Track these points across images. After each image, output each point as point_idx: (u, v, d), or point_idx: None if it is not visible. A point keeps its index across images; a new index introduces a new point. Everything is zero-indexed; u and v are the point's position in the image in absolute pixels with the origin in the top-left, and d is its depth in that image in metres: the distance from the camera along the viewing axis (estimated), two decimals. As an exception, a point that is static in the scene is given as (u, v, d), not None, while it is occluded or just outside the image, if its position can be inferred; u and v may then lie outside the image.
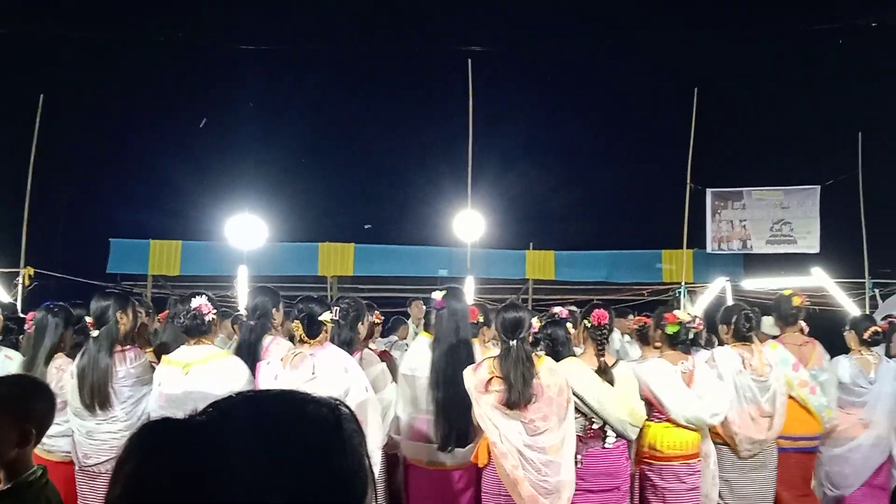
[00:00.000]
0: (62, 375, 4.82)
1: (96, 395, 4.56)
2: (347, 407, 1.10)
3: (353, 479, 1.05)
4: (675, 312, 5.28)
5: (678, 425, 5.04)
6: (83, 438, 4.64)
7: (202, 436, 0.99)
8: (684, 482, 5.05)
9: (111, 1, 16.80)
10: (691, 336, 5.36)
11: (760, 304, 7.43)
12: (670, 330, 5.23)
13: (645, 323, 5.62)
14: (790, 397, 5.64)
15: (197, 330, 4.50)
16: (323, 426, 1.05)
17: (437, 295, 4.93)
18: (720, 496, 5.41)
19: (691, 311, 7.79)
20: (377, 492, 4.78)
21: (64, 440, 4.79)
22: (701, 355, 5.62)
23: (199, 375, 4.30)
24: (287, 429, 1.02)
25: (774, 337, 6.29)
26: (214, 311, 4.55)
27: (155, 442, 0.99)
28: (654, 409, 5.07)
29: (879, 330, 6.14)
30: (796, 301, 6.02)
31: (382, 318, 5.81)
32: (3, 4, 14.24)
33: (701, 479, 5.19)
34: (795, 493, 5.68)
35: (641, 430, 5.06)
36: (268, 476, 0.95)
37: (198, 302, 4.49)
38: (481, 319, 5.49)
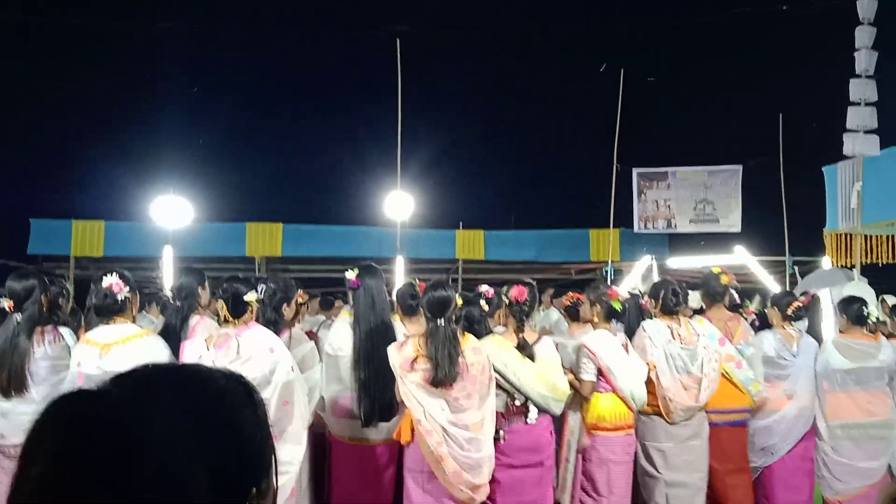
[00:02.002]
0: None
1: (13, 380, 4.46)
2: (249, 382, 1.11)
3: (264, 449, 1.08)
4: (616, 289, 5.40)
5: (620, 397, 5.15)
6: (-1, 419, 4.53)
7: (122, 408, 0.97)
8: (629, 453, 5.21)
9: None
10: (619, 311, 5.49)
11: (685, 282, 7.59)
12: (617, 306, 5.35)
13: (578, 299, 5.68)
14: None
15: (108, 310, 4.37)
16: (237, 399, 1.06)
17: (351, 274, 4.94)
18: (655, 468, 5.51)
19: (630, 288, 7.93)
20: (304, 471, 4.80)
21: None
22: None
23: (118, 357, 4.18)
24: (204, 402, 1.02)
25: (699, 311, 6.43)
26: (128, 288, 4.44)
27: (74, 416, 0.97)
28: (601, 379, 5.16)
29: (801, 305, 6.31)
30: (724, 279, 6.17)
31: (307, 297, 5.77)
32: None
33: None
34: (729, 466, 5.79)
35: (588, 401, 5.19)
36: (189, 449, 0.95)
37: (108, 281, 4.36)
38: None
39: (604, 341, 5.25)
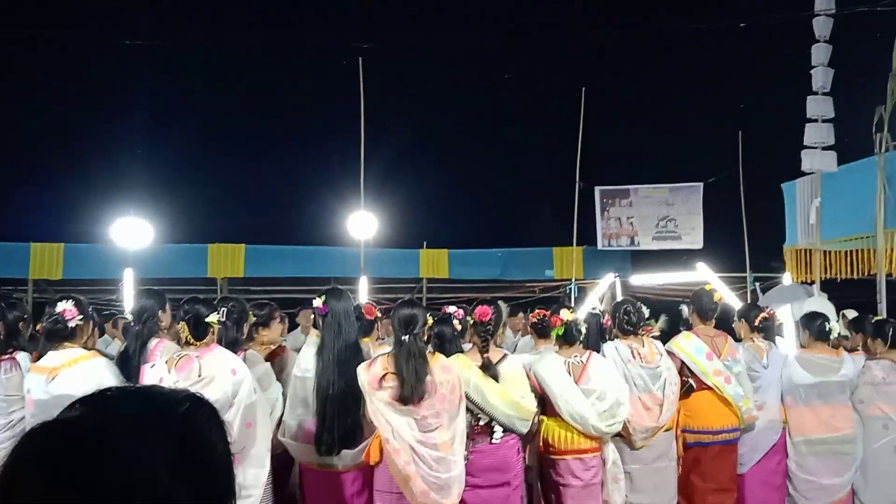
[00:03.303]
0: None
1: None
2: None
3: (230, 465, 1.10)
4: (561, 312, 5.36)
5: (566, 421, 5.11)
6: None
7: (96, 437, 0.97)
8: (579, 477, 5.09)
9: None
10: (582, 333, 5.42)
11: (645, 300, 7.62)
12: (555, 333, 5.33)
13: (545, 315, 5.67)
14: (706, 388, 5.75)
15: (56, 335, 4.32)
16: (205, 421, 1.07)
17: (318, 302, 4.91)
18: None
19: (591, 307, 7.90)
20: (267, 492, 4.74)
21: None
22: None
23: (66, 379, 4.16)
24: (176, 425, 1.03)
25: (688, 327, 6.40)
26: (81, 316, 4.38)
27: (48, 450, 0.96)
28: (546, 403, 5.14)
29: (768, 316, 6.35)
30: (717, 297, 6.15)
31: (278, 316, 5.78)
32: None
33: (601, 479, 5.23)
34: (713, 485, 5.77)
35: (539, 424, 5.16)
36: (170, 472, 0.96)
37: (62, 306, 4.32)
38: (378, 315, 5.46)
39: (546, 367, 5.20)
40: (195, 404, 1.08)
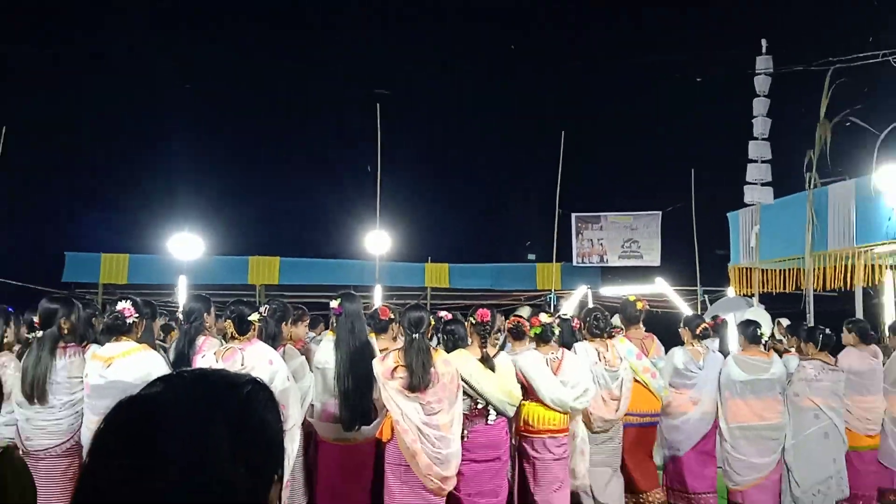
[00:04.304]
0: (5, 371, 4.56)
1: (35, 390, 4.32)
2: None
3: (282, 441, 1.08)
4: (540, 316, 5.38)
5: (546, 405, 5.12)
6: (25, 424, 4.40)
7: (163, 412, 0.97)
8: (552, 452, 5.14)
9: (66, 27, 16.40)
10: (555, 333, 5.43)
11: (613, 308, 7.63)
12: (533, 332, 5.34)
13: (518, 322, 5.66)
14: (636, 381, 5.84)
15: (116, 329, 4.30)
16: (263, 402, 1.06)
17: (334, 303, 4.91)
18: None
19: (563, 312, 7.88)
20: (296, 463, 4.72)
21: (8, 429, 4.51)
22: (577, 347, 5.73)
23: (119, 368, 4.17)
24: (238, 405, 1.01)
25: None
26: (137, 314, 4.36)
27: (122, 421, 0.97)
28: (527, 391, 5.14)
29: (707, 326, 6.36)
30: (640, 305, 6.32)
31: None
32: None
33: (569, 452, 5.28)
34: (637, 459, 5.93)
35: (519, 408, 5.15)
36: (230, 444, 0.96)
37: (122, 305, 4.32)
38: (392, 317, 5.43)
39: (528, 360, 5.20)
40: (255, 388, 1.06)
